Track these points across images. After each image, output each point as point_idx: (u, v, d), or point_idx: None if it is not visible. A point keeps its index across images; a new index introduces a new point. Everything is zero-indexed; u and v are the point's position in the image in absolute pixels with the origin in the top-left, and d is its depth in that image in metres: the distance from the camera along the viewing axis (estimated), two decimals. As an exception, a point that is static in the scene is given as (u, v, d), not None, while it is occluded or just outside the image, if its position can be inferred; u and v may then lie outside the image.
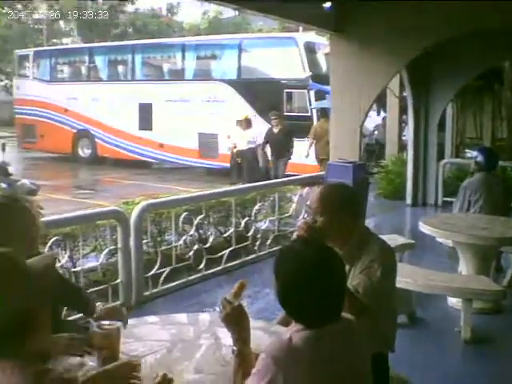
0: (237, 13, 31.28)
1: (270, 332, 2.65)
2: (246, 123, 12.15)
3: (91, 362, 2.32)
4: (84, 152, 18.03)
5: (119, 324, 2.39)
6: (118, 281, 5.17)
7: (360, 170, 7.82)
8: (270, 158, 12.45)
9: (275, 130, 12.08)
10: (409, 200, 10.22)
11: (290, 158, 12.17)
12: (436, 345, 4.48)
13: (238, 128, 12.29)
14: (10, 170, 8.33)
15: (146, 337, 2.66)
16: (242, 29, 32.36)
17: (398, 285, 4.52)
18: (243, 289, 2.25)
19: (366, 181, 7.94)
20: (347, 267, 2.65)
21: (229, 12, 33.65)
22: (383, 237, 6.32)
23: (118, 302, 5.12)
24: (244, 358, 2.05)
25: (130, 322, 2.91)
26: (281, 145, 12.02)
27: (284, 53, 14.56)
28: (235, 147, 12.33)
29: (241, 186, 7.17)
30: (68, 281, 3.05)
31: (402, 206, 10.16)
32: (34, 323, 1.60)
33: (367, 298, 2.49)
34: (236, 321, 2.11)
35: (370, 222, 8.65)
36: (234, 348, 2.09)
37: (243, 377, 1.94)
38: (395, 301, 2.82)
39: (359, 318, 2.14)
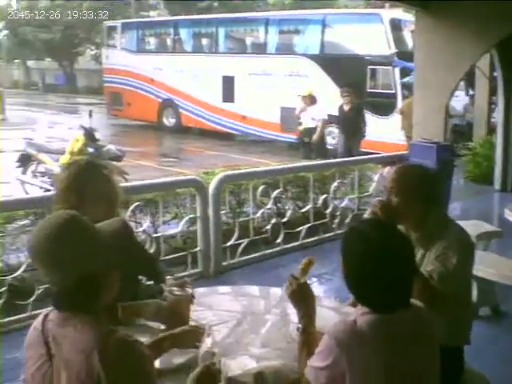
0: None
1: (341, 313, 2.60)
2: (311, 99, 11.33)
3: (162, 326, 2.39)
4: (169, 121, 18.39)
5: (190, 291, 2.48)
6: (197, 249, 5.27)
7: (445, 151, 7.51)
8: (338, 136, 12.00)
9: (346, 108, 11.19)
10: (497, 185, 9.75)
11: (362, 137, 11.37)
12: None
13: (302, 104, 11.48)
14: (97, 135, 8.58)
15: (216, 306, 2.69)
16: (327, 5, 31.78)
17: (481, 275, 4.39)
18: (310, 266, 2.24)
19: (451, 163, 7.63)
20: (421, 251, 2.58)
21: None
22: (467, 222, 6.15)
23: (196, 270, 5.24)
24: (308, 336, 2.04)
25: (203, 290, 2.98)
26: (352, 123, 11.09)
27: (369, 29, 14.19)
28: (301, 124, 11.56)
29: (320, 161, 7.06)
30: (142, 249, 3.12)
31: (489, 190, 9.71)
32: (103, 283, 1.65)
33: (442, 285, 2.41)
34: (301, 298, 2.10)
35: (454, 207, 8.38)
36: (299, 325, 2.08)
37: (307, 355, 1.92)
38: (471, 291, 2.70)
39: (431, 307, 2.08)
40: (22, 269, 4.20)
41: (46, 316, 1.66)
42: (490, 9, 7.25)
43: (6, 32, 45.67)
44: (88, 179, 2.56)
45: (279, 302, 2.76)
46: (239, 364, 2.10)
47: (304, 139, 11.34)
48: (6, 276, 3.97)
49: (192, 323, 2.37)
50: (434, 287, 2.39)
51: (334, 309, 2.70)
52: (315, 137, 11.09)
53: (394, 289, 1.80)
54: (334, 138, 14.83)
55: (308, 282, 2.16)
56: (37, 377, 1.62)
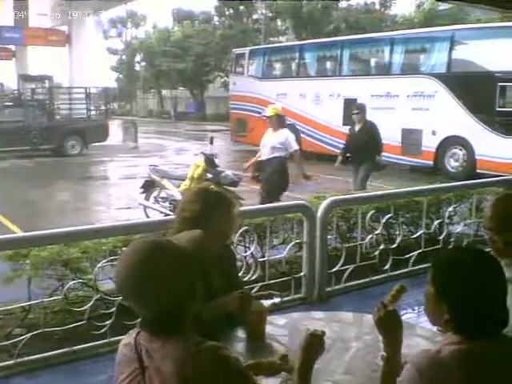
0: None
1: (434, 342, 2.53)
2: (278, 121, 8.01)
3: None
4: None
5: (268, 304, 2.70)
6: (302, 274, 5.31)
7: None
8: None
9: (356, 128, 9.59)
10: None
11: (375, 165, 9.53)
12: None
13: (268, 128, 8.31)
14: (217, 161, 8.93)
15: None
16: (458, 20, 30.77)
17: None
18: (402, 293, 2.20)
19: None
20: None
21: (445, 3, 32.17)
22: None
23: (299, 295, 5.28)
24: (392, 365, 2.02)
25: (296, 315, 3.04)
26: (360, 146, 9.33)
27: (501, 43, 13.57)
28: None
29: (435, 185, 6.83)
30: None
31: None
32: (189, 306, 1.74)
33: None
34: (388, 326, 2.08)
35: None
36: (384, 353, 2.07)
37: (390, 384, 1.91)
38: None
39: None
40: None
41: (139, 333, 1.75)
42: None
43: (143, 63, 48.93)
44: (213, 208, 2.68)
45: (372, 330, 2.75)
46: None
47: (254, 174, 8.39)
48: (117, 297, 4.13)
49: (281, 348, 2.46)
50: None
51: (428, 338, 2.64)
52: (270, 170, 7.97)
53: (486, 313, 1.76)
54: (457, 160, 14.31)
55: (397, 309, 2.12)
56: None
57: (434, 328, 2.43)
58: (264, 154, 8.10)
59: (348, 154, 10.00)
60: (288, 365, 2.17)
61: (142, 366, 1.69)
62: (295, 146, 8.07)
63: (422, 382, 1.70)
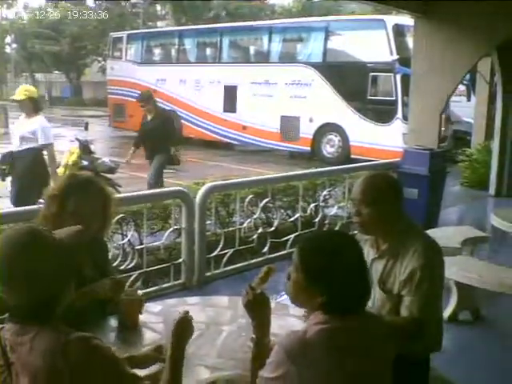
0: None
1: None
2: (31, 106, 6.34)
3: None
4: (170, 132, 18.48)
5: (140, 296, 2.66)
6: (181, 260, 5.28)
7: (437, 157, 7.52)
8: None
9: (148, 118, 8.63)
10: (492, 190, 9.74)
11: (170, 158, 8.83)
12: (495, 345, 4.27)
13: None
14: (92, 148, 8.66)
15: (182, 318, 2.70)
16: (333, 12, 31.89)
17: (461, 280, 4.39)
18: (270, 275, 2.24)
19: (444, 170, 7.63)
20: (391, 262, 2.58)
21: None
22: (456, 228, 6.15)
23: (179, 281, 5.25)
24: (261, 346, 2.04)
25: (171, 302, 3.01)
26: (153, 138, 8.41)
27: (372, 35, 14.27)
28: None
29: (310, 170, 7.06)
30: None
31: (484, 196, 9.71)
32: (61, 295, 1.69)
33: (424, 315, 2.44)
34: (256, 308, 2.10)
35: (448, 212, 8.36)
36: (253, 336, 2.08)
37: (259, 366, 1.92)
38: (441, 300, 2.68)
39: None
40: None
41: (2, 328, 1.68)
42: (488, 13, 7.29)
43: (14, 45, 46.18)
44: (76, 189, 2.62)
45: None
46: (193, 375, 2.12)
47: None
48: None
49: (157, 336, 2.45)
50: (418, 324, 2.43)
51: (301, 318, 2.70)
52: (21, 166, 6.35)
53: (350, 292, 1.82)
54: (332, 146, 14.91)
55: (267, 291, 2.15)
56: None
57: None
58: (15, 144, 6.40)
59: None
60: (163, 355, 2.13)
61: (7, 362, 1.62)
62: (49, 139, 6.35)
63: (289, 362, 1.74)
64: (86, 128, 8.92)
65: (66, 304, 1.75)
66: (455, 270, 4.38)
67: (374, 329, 1.89)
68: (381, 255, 2.61)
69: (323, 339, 1.76)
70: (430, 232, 2.69)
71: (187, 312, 1.98)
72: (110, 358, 1.66)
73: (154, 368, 2.12)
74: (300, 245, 1.95)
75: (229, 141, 17.10)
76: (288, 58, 16.48)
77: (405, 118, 12.27)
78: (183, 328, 1.92)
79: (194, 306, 2.93)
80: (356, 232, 2.75)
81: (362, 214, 2.58)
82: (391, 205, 2.58)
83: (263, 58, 17.04)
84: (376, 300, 2.59)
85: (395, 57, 13.71)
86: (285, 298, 2.10)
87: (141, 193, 5.59)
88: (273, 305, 2.16)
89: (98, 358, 1.62)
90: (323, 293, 1.83)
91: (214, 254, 5.55)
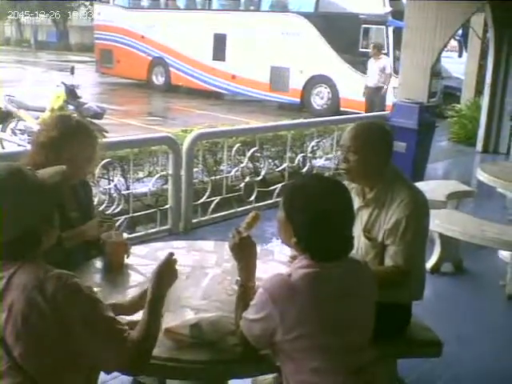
0: None
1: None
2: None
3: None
4: (158, 79, 18.21)
5: (124, 239, 2.68)
6: (168, 206, 5.28)
7: (427, 112, 7.51)
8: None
9: None
10: (479, 146, 9.78)
11: None
12: (476, 296, 4.36)
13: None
14: (79, 92, 8.51)
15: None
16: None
17: (445, 233, 4.45)
18: (256, 220, 2.25)
19: (432, 124, 7.61)
20: (376, 211, 2.59)
21: None
22: (442, 182, 6.19)
23: (165, 227, 5.26)
24: (246, 289, 2.06)
25: (159, 245, 3.02)
26: None
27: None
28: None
29: (298, 120, 7.01)
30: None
31: (471, 152, 9.74)
32: (43, 234, 1.68)
33: (408, 265, 2.47)
34: (242, 251, 2.11)
35: (434, 167, 8.41)
36: (238, 278, 2.10)
37: (243, 308, 1.95)
38: (425, 251, 2.72)
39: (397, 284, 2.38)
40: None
41: None
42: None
43: (-2, -13, 44.77)
44: (72, 136, 2.59)
45: (232, 257, 2.79)
46: (178, 316, 2.14)
47: None
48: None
49: (142, 278, 2.47)
50: (403, 273, 2.46)
51: (285, 263, 2.72)
52: None
53: (334, 238, 1.84)
54: (322, 98, 14.81)
55: (252, 235, 2.15)
56: None
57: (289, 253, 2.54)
58: None
59: None
60: None
61: None
62: None
63: (273, 305, 1.76)
64: (72, 72, 8.73)
65: (51, 244, 1.75)
66: (439, 222, 4.42)
67: (357, 274, 1.92)
68: (366, 203, 2.62)
69: (306, 283, 1.78)
70: (418, 187, 2.69)
71: (172, 254, 1.97)
72: (89, 298, 1.66)
73: (138, 316, 2.14)
74: (288, 183, 1.97)
75: (217, 90, 16.89)
76: (279, 6, 16.14)
77: (396, 72, 12.15)
78: (166, 270, 1.92)
79: (181, 249, 2.94)
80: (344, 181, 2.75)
81: (350, 160, 2.58)
82: (379, 154, 2.57)
83: (254, 5, 16.67)
84: (360, 248, 2.62)
85: (388, 9, 13.50)
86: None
87: (127, 138, 5.55)
88: (258, 251, 2.17)
89: (76, 296, 1.62)
90: (296, 233, 1.85)
91: (201, 201, 5.56)
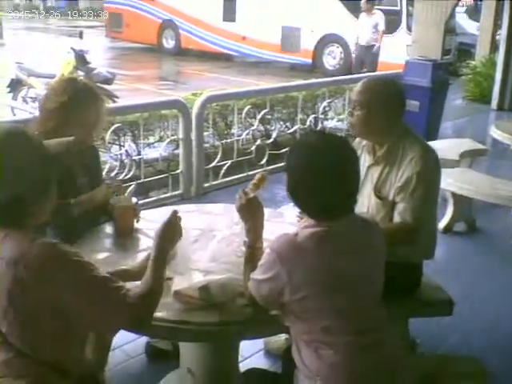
0: None
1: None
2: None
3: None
4: (168, 43, 17.98)
5: (134, 202, 2.65)
6: (179, 171, 5.28)
7: (440, 69, 7.36)
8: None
9: None
10: (494, 104, 9.61)
11: None
12: (488, 256, 4.33)
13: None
14: (88, 58, 8.45)
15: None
16: None
17: (458, 191, 4.41)
18: (263, 181, 2.24)
19: (446, 82, 7.48)
20: (387, 168, 2.56)
21: None
22: (455, 140, 6.11)
23: (177, 192, 5.27)
24: (254, 250, 2.06)
25: (167, 209, 3.01)
26: None
27: None
28: None
29: (310, 80, 6.91)
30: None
31: (486, 110, 9.58)
32: (37, 201, 1.66)
33: (417, 222, 2.44)
34: (249, 212, 2.11)
35: (448, 125, 8.30)
36: (246, 239, 2.10)
37: (251, 269, 1.95)
38: (436, 209, 2.69)
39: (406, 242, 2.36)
40: None
41: None
42: None
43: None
44: (82, 99, 2.58)
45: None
46: (187, 279, 2.15)
47: None
48: None
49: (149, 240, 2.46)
50: (412, 230, 2.44)
51: (294, 224, 2.71)
52: None
53: (338, 195, 1.81)
54: (334, 57, 14.57)
55: (262, 198, 2.13)
56: None
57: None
58: None
59: None
60: None
61: None
62: None
63: (281, 264, 1.76)
64: (81, 36, 8.66)
65: (43, 219, 1.73)
66: (452, 181, 4.39)
67: (365, 232, 1.91)
68: (377, 161, 2.59)
69: (313, 242, 1.78)
70: (429, 144, 2.65)
71: (176, 212, 1.97)
72: (76, 263, 1.63)
73: None
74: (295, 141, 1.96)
75: (228, 52, 16.67)
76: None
77: (409, 28, 11.87)
78: (169, 228, 1.92)
79: (190, 212, 2.94)
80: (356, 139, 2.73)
81: (355, 114, 2.55)
82: (387, 109, 2.51)
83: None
84: (371, 207, 2.60)
85: (402, -37, 13.14)
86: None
87: (137, 102, 5.52)
88: (268, 213, 2.15)
89: (62, 264, 1.60)
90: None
91: (212, 165, 5.55)
